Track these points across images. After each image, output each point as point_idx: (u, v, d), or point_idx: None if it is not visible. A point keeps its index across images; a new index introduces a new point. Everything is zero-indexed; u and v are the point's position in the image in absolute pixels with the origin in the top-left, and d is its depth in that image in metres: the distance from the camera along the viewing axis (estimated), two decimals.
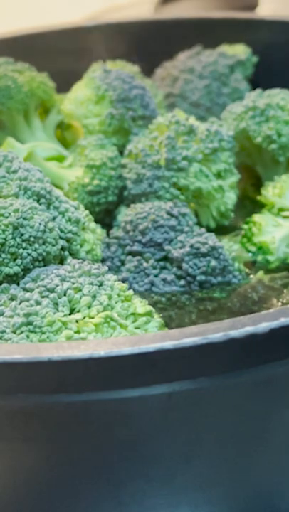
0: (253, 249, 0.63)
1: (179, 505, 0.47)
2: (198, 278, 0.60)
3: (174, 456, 0.45)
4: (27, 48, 0.85)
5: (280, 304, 0.58)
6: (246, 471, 0.47)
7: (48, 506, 0.47)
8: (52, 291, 0.51)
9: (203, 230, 0.62)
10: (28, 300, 0.50)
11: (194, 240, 0.60)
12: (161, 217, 0.62)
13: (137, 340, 0.39)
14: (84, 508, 0.47)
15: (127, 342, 0.39)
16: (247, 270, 0.62)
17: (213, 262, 0.60)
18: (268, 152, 0.70)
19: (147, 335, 0.40)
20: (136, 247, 0.61)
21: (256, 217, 0.65)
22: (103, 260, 0.62)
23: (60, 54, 0.86)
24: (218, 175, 0.66)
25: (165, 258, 0.61)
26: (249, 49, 0.84)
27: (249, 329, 0.39)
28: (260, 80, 0.83)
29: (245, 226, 0.65)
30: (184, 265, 0.60)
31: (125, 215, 0.63)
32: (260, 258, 0.63)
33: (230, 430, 0.45)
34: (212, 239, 0.61)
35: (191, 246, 0.60)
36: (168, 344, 0.39)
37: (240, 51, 0.83)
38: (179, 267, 0.61)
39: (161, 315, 0.57)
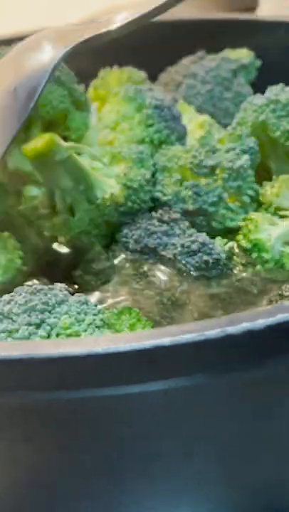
0: (249, 246, 0.63)
1: (179, 504, 0.47)
2: (194, 274, 0.60)
3: (173, 454, 0.45)
4: None
5: (278, 295, 0.58)
6: (245, 469, 0.47)
7: (48, 506, 0.47)
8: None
9: (193, 230, 0.63)
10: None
11: (184, 240, 0.61)
12: (153, 224, 0.63)
13: (135, 337, 0.40)
14: (84, 508, 0.47)
15: (125, 338, 0.40)
16: (243, 262, 0.63)
17: (205, 257, 0.60)
18: (283, 147, 0.69)
19: (145, 331, 0.40)
20: (132, 256, 0.62)
21: (253, 215, 0.65)
22: (104, 270, 0.62)
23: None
24: (245, 205, 0.66)
25: (160, 261, 0.62)
26: (252, 52, 0.84)
27: (246, 325, 0.40)
28: (259, 80, 0.83)
29: (242, 223, 0.65)
30: (178, 264, 0.61)
31: (120, 230, 0.64)
32: (255, 255, 0.63)
33: (228, 428, 0.45)
34: (202, 237, 0.62)
35: (182, 245, 0.61)
36: (165, 340, 0.39)
37: (243, 55, 0.83)
38: (174, 268, 0.61)
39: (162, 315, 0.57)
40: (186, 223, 0.64)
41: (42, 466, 0.45)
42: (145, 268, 0.62)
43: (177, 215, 0.63)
